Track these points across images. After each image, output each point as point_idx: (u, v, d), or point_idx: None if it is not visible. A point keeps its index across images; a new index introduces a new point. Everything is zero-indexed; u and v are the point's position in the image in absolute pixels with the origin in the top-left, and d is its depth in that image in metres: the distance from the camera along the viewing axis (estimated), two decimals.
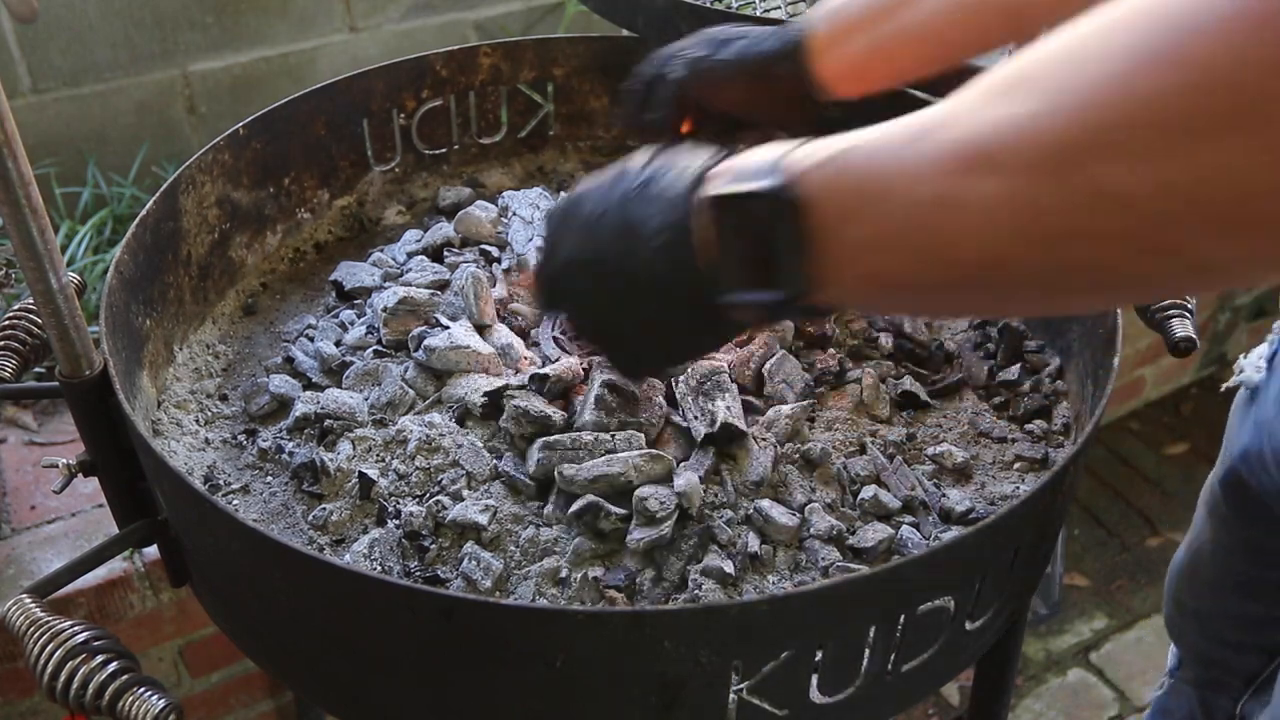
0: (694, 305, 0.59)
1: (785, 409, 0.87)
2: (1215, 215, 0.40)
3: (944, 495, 0.87)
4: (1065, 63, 0.43)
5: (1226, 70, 0.37)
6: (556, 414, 0.86)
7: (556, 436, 0.83)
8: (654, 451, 0.82)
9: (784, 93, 0.89)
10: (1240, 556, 1.11)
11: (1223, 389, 1.12)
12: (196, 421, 0.94)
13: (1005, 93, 0.44)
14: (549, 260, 0.67)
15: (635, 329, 0.65)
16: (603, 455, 0.82)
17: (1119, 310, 0.85)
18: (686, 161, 0.61)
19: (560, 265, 0.65)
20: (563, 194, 0.71)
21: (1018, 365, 0.98)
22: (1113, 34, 0.41)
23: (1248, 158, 0.38)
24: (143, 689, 0.67)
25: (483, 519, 0.80)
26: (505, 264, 1.04)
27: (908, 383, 0.95)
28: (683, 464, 0.83)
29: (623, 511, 0.79)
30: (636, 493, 0.79)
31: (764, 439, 0.86)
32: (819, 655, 0.68)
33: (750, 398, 0.90)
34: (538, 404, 0.86)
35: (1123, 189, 0.41)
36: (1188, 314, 0.90)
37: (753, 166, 0.55)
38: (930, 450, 0.90)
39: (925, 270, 0.50)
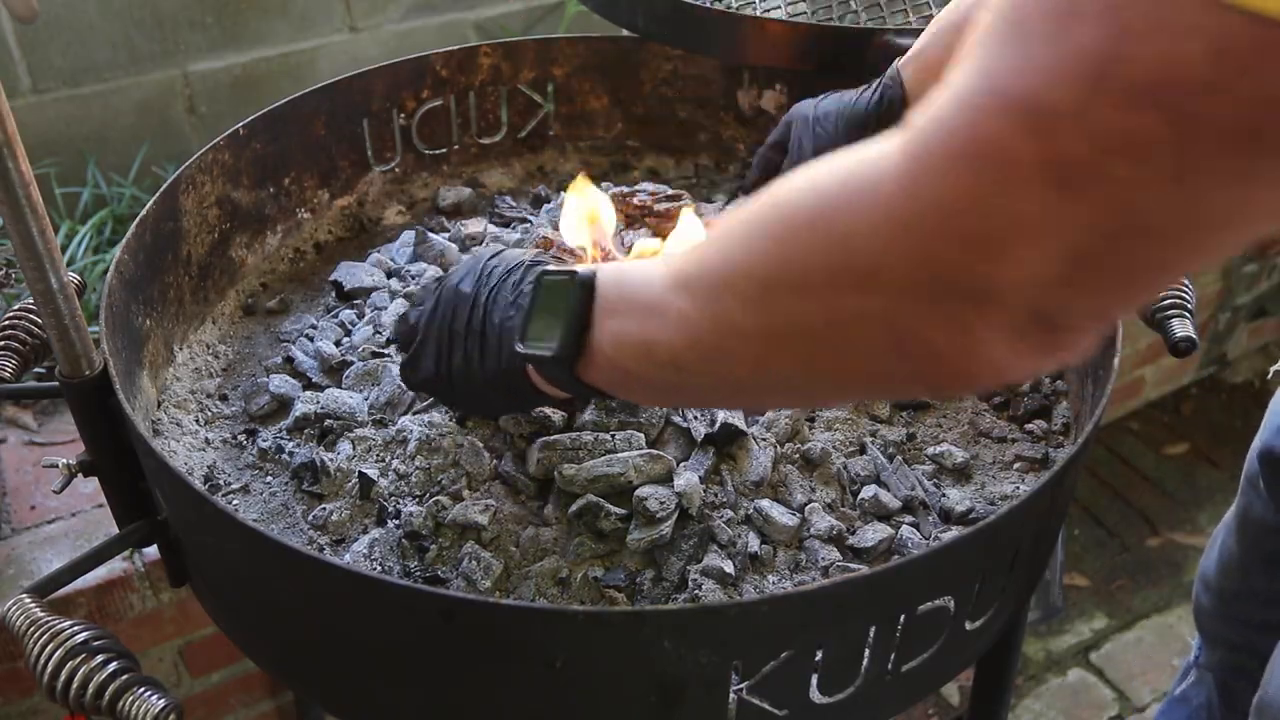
0: (510, 360, 0.71)
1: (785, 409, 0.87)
2: (797, 351, 0.52)
3: (944, 495, 0.86)
4: (742, 225, 0.53)
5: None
6: (556, 414, 0.86)
7: (556, 436, 0.83)
8: (654, 451, 0.82)
9: None
10: (1272, 532, 1.11)
11: (1270, 374, 1.13)
12: (196, 421, 0.94)
13: (714, 236, 0.56)
14: (454, 278, 0.78)
15: (470, 364, 0.75)
16: (603, 455, 0.82)
17: None
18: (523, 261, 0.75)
19: (454, 286, 0.76)
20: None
21: None
22: (776, 206, 0.51)
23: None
24: (143, 689, 0.67)
25: (483, 519, 0.80)
26: None
27: None
28: (683, 464, 0.83)
29: (623, 511, 0.79)
30: (636, 493, 0.79)
31: (764, 439, 0.86)
32: (819, 655, 0.68)
33: None
34: None
35: (741, 321, 0.53)
36: (1188, 314, 0.90)
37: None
38: (930, 450, 0.90)
39: (641, 365, 0.61)
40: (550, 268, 0.70)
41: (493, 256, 0.77)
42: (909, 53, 0.94)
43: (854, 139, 0.94)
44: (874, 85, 0.95)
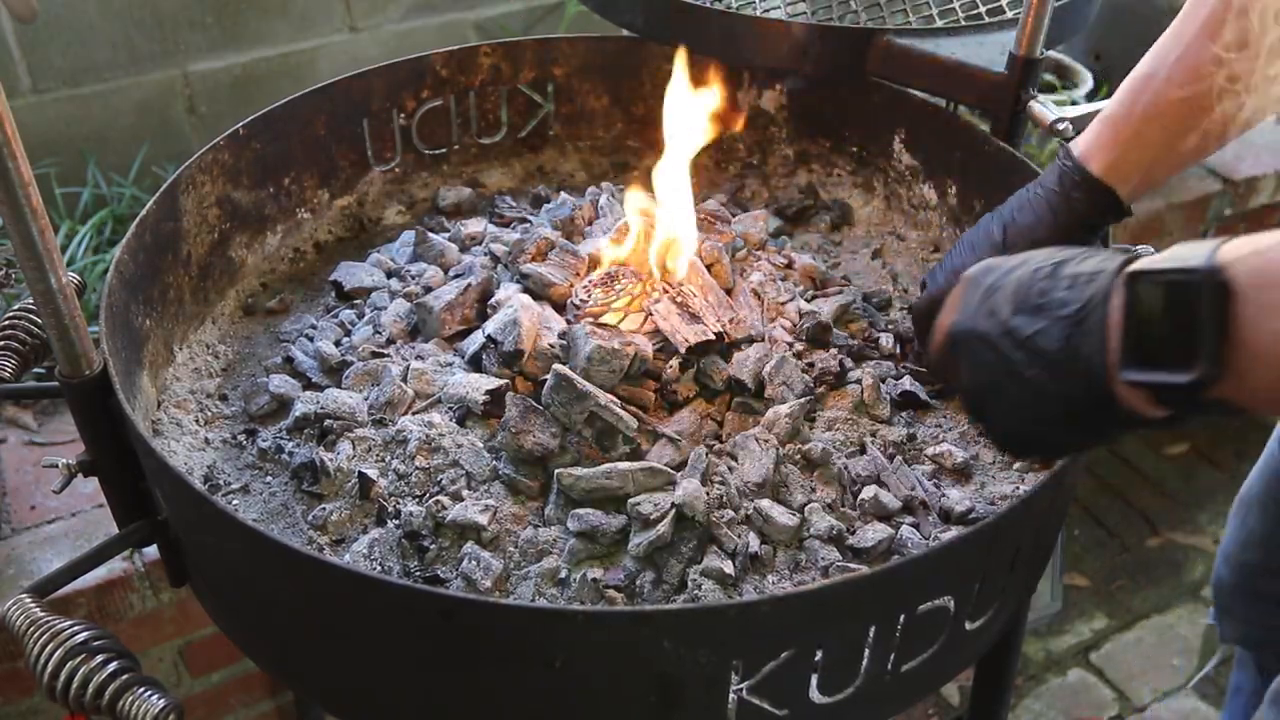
0: (1090, 388, 0.57)
1: (784, 409, 0.87)
2: None
3: (944, 495, 0.86)
4: None
5: None
6: None
7: None
8: (652, 465, 0.81)
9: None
10: None
11: None
12: (196, 421, 0.94)
13: None
14: (957, 319, 0.67)
15: (1023, 405, 0.62)
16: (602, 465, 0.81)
17: None
18: (1102, 254, 0.60)
19: (965, 329, 0.65)
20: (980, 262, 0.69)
21: None
22: None
23: None
24: (143, 689, 0.68)
25: (482, 519, 0.80)
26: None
27: (907, 383, 0.95)
28: (681, 472, 0.83)
29: (622, 522, 0.79)
30: (630, 500, 0.79)
31: (766, 440, 0.86)
32: (819, 655, 0.68)
33: (750, 400, 0.90)
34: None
35: None
36: None
37: (1183, 252, 0.54)
38: (930, 450, 0.90)
39: None
40: (1141, 266, 0.55)
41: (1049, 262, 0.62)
42: (1082, 143, 0.85)
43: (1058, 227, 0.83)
44: (1053, 183, 0.86)
